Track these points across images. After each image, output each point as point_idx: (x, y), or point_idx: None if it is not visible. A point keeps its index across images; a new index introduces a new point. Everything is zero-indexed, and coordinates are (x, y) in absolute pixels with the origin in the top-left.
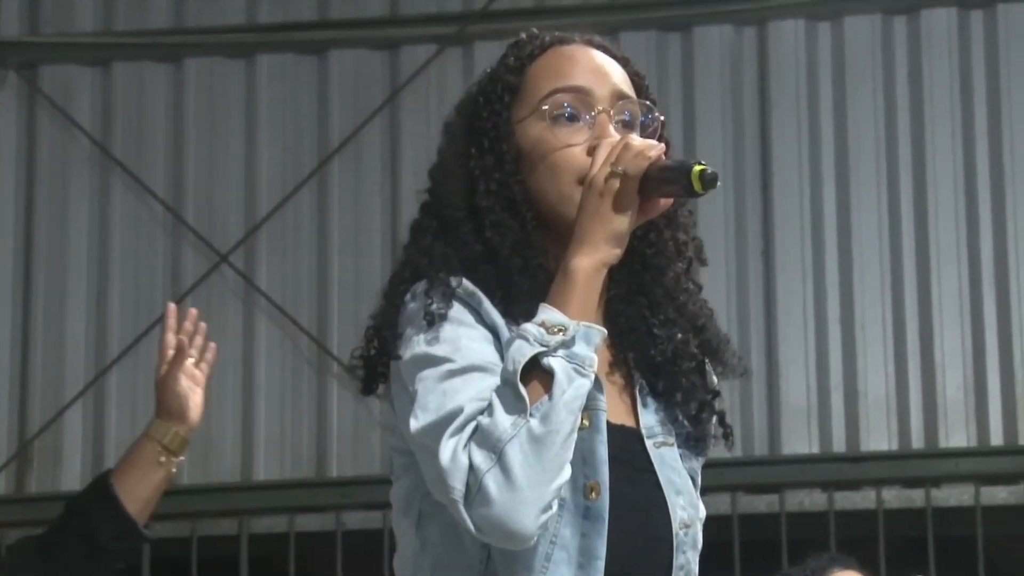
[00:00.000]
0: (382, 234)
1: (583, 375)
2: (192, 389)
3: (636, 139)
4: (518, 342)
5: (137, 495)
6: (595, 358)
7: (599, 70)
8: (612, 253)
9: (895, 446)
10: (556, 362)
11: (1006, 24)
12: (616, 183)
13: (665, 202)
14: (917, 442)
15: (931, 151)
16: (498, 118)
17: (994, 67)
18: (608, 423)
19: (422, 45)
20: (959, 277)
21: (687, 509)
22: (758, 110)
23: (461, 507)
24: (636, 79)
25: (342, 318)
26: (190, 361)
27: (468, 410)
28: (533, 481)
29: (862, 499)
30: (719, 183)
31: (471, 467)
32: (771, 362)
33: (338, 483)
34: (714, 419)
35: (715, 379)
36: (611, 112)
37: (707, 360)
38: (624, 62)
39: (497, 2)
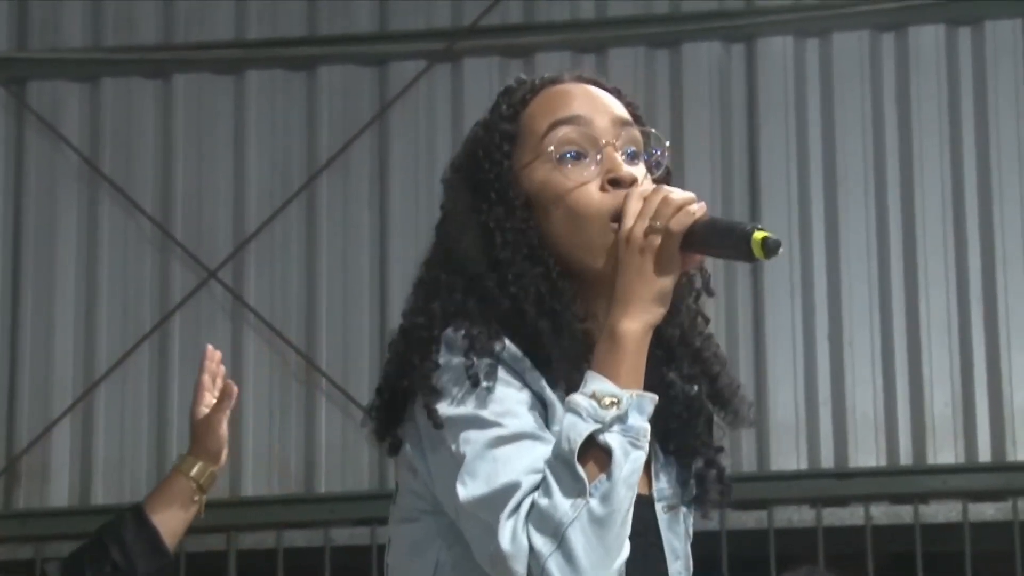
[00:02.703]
0: (370, 250)
1: (638, 447)
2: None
3: (674, 191)
4: (570, 418)
5: (171, 530)
6: (648, 428)
7: (595, 100)
8: (658, 313)
9: (883, 462)
10: (613, 439)
11: (994, 41)
12: (657, 240)
13: (701, 257)
14: (905, 458)
15: (919, 167)
16: (500, 168)
17: (982, 84)
18: None
19: (411, 61)
20: (947, 293)
21: (682, 574)
22: (746, 126)
23: None
24: (631, 109)
25: (330, 334)
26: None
27: (524, 485)
28: (595, 563)
29: (850, 515)
30: (782, 250)
31: (532, 550)
32: (759, 378)
33: (326, 499)
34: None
35: (719, 433)
36: (616, 143)
37: (715, 410)
38: (616, 93)
39: (485, 18)
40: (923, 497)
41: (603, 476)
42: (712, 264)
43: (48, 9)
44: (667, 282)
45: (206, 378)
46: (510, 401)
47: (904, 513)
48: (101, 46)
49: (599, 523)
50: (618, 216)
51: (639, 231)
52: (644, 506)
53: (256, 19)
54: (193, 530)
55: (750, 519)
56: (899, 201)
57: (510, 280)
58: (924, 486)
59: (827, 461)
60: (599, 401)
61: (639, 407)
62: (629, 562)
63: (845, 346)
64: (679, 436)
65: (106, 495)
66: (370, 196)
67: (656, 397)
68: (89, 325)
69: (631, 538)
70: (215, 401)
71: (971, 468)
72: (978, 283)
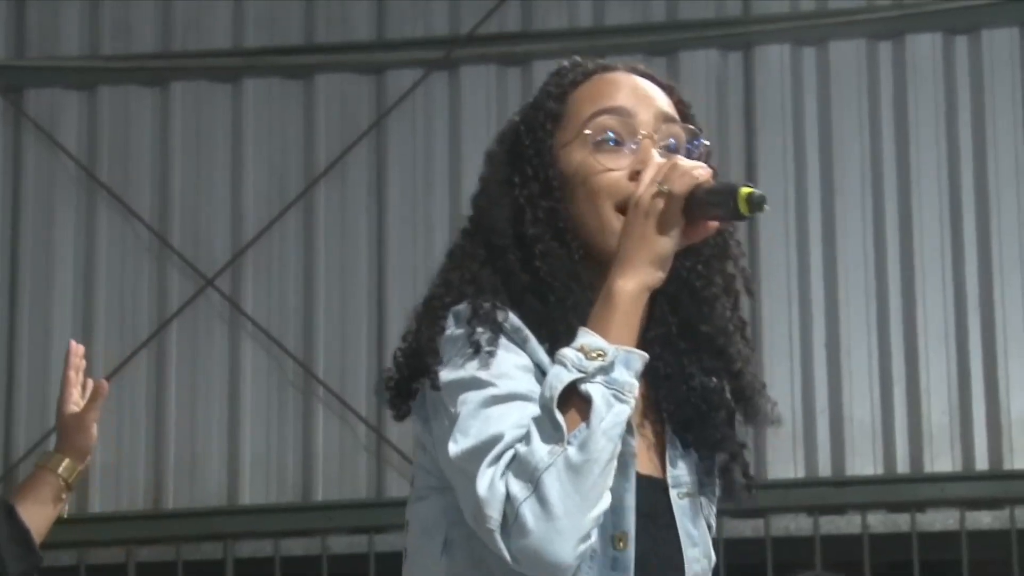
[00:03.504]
0: (368, 257)
1: (623, 400)
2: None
3: (684, 160)
4: (556, 368)
5: (39, 528)
6: (635, 383)
7: (642, 93)
8: (655, 276)
9: (880, 471)
10: (594, 388)
11: (990, 49)
12: (661, 203)
13: (712, 226)
14: (902, 467)
15: (916, 175)
16: (541, 145)
17: (979, 92)
18: (636, 473)
19: (408, 69)
20: (944, 302)
21: (700, 561)
22: (744, 134)
23: (498, 537)
24: (681, 106)
25: (328, 341)
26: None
27: (508, 437)
28: (571, 510)
29: (847, 523)
30: (767, 206)
31: (508, 496)
32: None
33: (323, 507)
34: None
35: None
36: (655, 137)
37: (737, 407)
38: (669, 89)
39: (483, 26)
40: (920, 505)
41: (583, 425)
42: None
43: (46, 17)
44: (666, 244)
45: (72, 374)
46: (508, 365)
47: (901, 521)
48: (99, 54)
49: (575, 470)
50: (624, 206)
51: (647, 195)
52: (658, 490)
53: (254, 27)
54: (191, 538)
55: (747, 527)
56: (896, 209)
57: (536, 255)
58: (921, 494)
59: (824, 469)
60: (585, 353)
61: (626, 362)
62: (644, 544)
63: (842, 354)
64: (698, 428)
65: (103, 503)
66: (368, 204)
67: (647, 356)
68: (86, 332)
69: (645, 520)
70: (84, 399)
71: (968, 476)
72: (975, 291)
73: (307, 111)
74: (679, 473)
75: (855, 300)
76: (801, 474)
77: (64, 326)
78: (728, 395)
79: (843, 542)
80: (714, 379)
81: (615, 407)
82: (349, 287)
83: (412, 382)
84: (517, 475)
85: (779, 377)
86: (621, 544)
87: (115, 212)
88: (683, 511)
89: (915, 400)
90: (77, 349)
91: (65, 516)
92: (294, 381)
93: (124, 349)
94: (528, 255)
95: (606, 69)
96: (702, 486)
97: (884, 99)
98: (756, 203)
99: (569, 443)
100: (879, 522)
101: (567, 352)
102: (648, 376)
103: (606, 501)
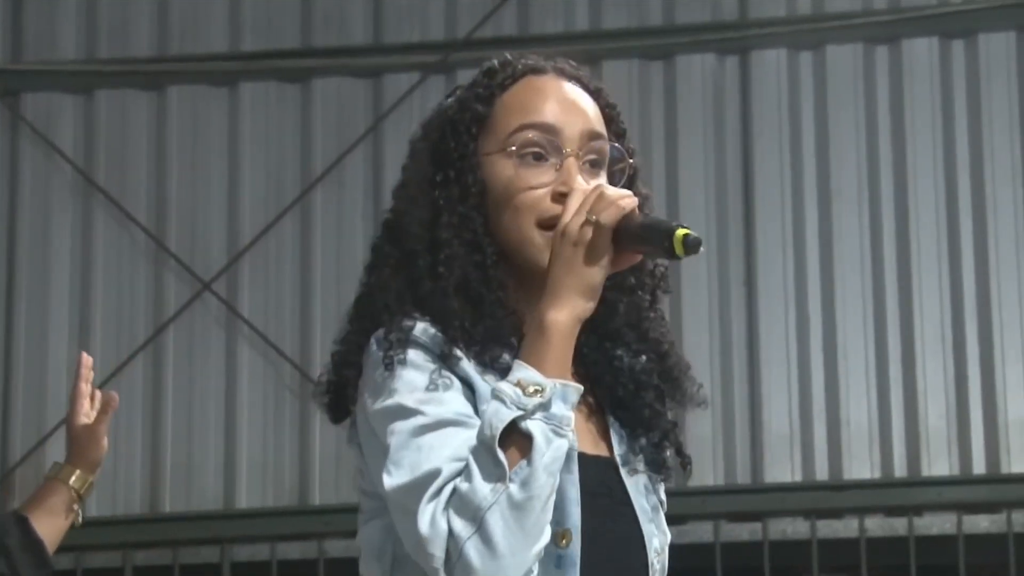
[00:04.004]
0: (364, 261)
1: (561, 435)
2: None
3: (610, 188)
4: (495, 404)
5: (51, 540)
6: (572, 416)
7: (571, 106)
8: (586, 307)
9: (878, 474)
10: (534, 425)
11: (987, 53)
12: (589, 232)
13: (638, 256)
14: (899, 470)
15: (913, 180)
16: (465, 149)
17: (975, 96)
18: (584, 455)
19: (405, 73)
20: (941, 305)
21: (659, 536)
22: (740, 139)
23: (442, 574)
24: (608, 111)
25: (325, 346)
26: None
27: (445, 472)
28: (515, 548)
29: (845, 527)
30: (702, 248)
31: (451, 534)
32: (754, 390)
33: (320, 511)
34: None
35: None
36: (580, 153)
37: (666, 389)
38: (596, 94)
39: (480, 30)
40: (917, 509)
41: (523, 462)
42: (707, 276)
43: (43, 21)
44: (596, 275)
45: (84, 386)
46: (430, 386)
47: (898, 525)
48: (95, 58)
49: (518, 508)
50: (548, 223)
51: (575, 225)
52: (608, 469)
53: (250, 31)
54: (188, 542)
55: (744, 531)
56: (893, 213)
57: (441, 261)
58: (918, 498)
59: (822, 473)
60: (523, 389)
61: (563, 396)
62: (603, 523)
63: (839, 358)
64: (630, 408)
65: (100, 507)
66: (364, 208)
67: (581, 388)
68: (83, 336)
69: (602, 499)
70: (95, 411)
71: (965, 480)
72: (972, 295)
73: (304, 115)
74: (624, 452)
75: (852, 304)
76: (798, 478)
77: (61, 330)
78: (656, 376)
79: (840, 546)
80: (643, 358)
81: (554, 442)
82: (346, 291)
83: (345, 391)
84: (459, 513)
85: (776, 380)
86: (564, 541)
87: (112, 216)
88: (635, 488)
89: (912, 404)
90: (87, 361)
91: (78, 526)
92: (291, 385)
93: (121, 353)
94: (436, 261)
95: (535, 71)
96: (646, 463)
97: (881, 103)
98: (692, 245)
99: (511, 480)
100: (876, 526)
101: (504, 388)
102: (575, 361)
103: (547, 536)
